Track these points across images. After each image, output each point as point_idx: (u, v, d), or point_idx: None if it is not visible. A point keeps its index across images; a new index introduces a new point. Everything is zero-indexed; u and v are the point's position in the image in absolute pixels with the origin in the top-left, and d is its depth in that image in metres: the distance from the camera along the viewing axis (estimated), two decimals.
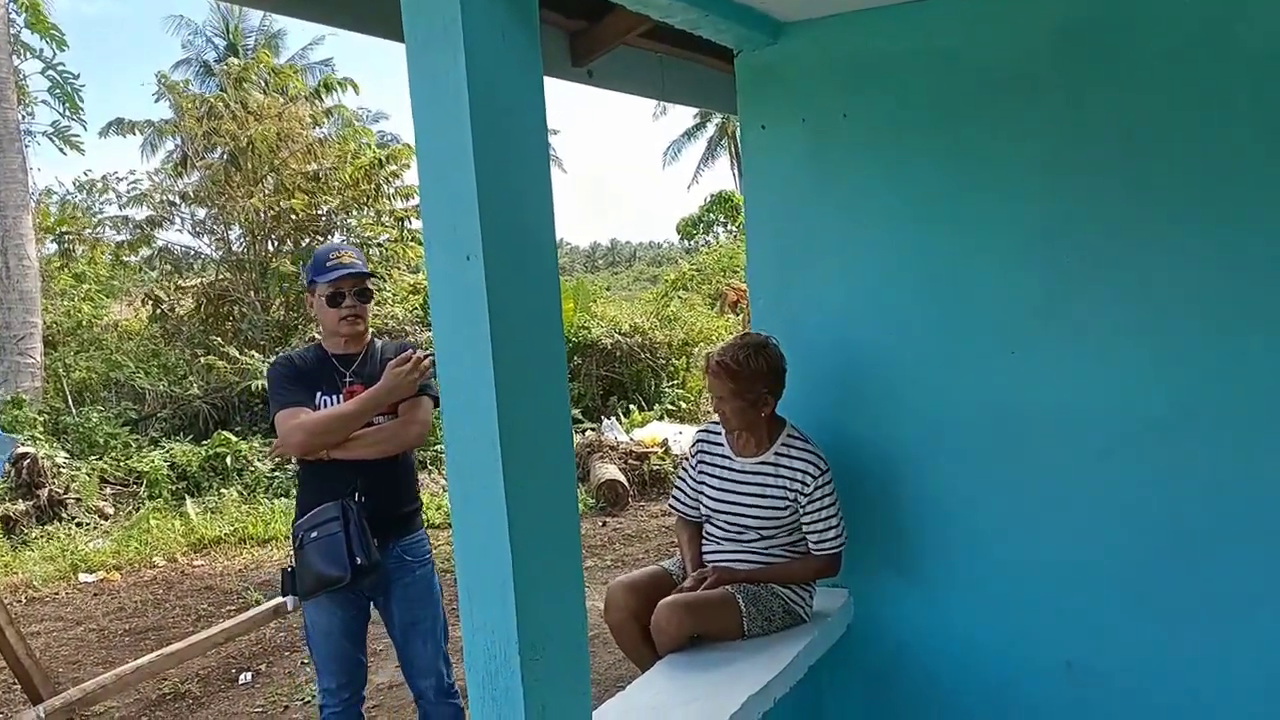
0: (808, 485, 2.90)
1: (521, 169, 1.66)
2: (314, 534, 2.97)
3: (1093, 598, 2.79)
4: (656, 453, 10.04)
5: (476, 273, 1.55)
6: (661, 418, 12.40)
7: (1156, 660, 2.73)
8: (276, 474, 10.33)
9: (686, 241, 31.41)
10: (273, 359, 3.30)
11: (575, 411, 12.17)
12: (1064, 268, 2.77)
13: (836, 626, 3.07)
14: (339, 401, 3.07)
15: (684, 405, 13.15)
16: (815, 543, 2.95)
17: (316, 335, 12.56)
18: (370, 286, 3.18)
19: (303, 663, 5.51)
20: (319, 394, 3.09)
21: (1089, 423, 2.76)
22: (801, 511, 2.94)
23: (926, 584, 3.02)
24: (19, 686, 4.72)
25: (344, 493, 3.00)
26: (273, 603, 5.86)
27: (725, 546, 3.04)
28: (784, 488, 2.93)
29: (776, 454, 2.97)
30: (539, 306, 1.69)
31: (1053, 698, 2.87)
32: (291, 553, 3.11)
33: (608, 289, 23.54)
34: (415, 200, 14.63)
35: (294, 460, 3.51)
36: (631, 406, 12.86)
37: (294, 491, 9.81)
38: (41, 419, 10.92)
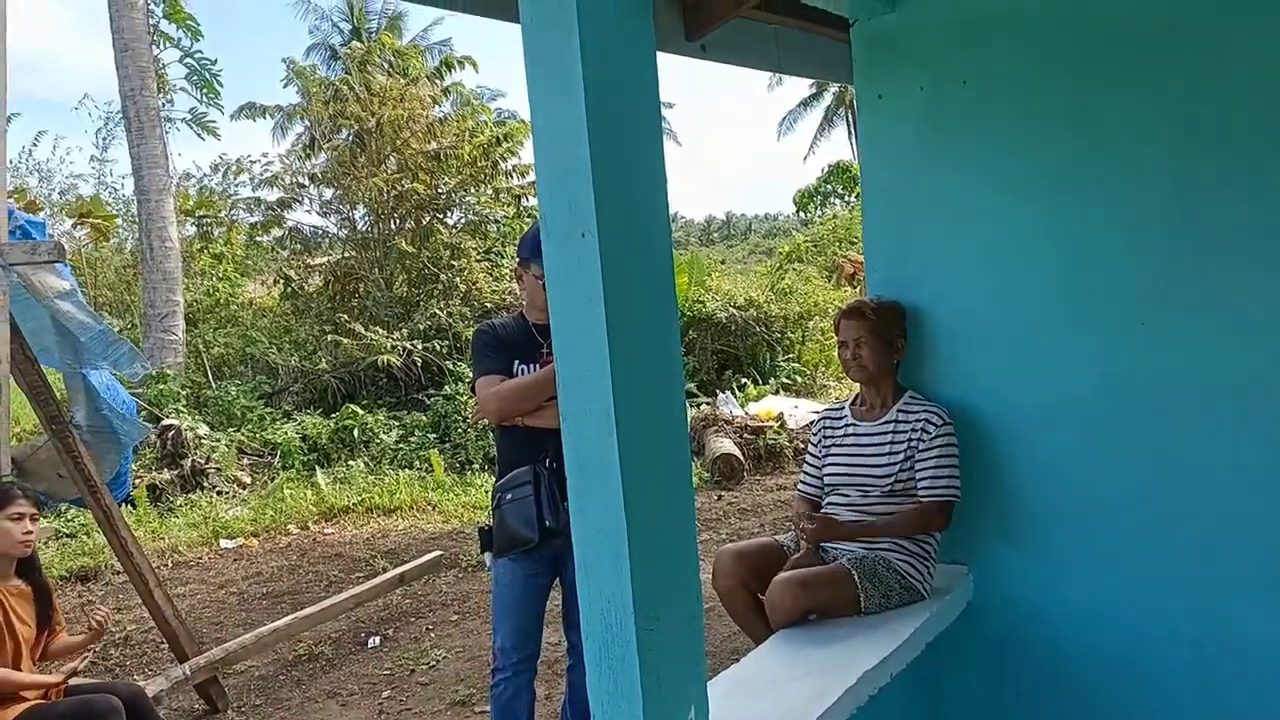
0: (929, 433, 2.94)
1: (635, 144, 1.66)
2: (509, 496, 3.11)
3: (1226, 575, 2.67)
4: (772, 427, 9.99)
5: (591, 249, 1.57)
6: (777, 391, 12.34)
7: None
8: (400, 446, 10.66)
9: (802, 214, 30.99)
10: (478, 326, 3.44)
11: (690, 386, 12.21)
12: (1196, 234, 2.64)
13: (956, 603, 3.02)
14: (536, 370, 3.16)
15: (799, 379, 13.05)
16: (926, 489, 2.93)
17: (438, 312, 12.92)
18: None
19: (427, 629, 5.71)
20: (517, 362, 3.19)
21: (1224, 395, 2.64)
22: (917, 458, 2.94)
23: (1048, 560, 2.94)
24: (167, 645, 5.02)
25: (537, 458, 3.10)
26: (397, 571, 6.08)
27: (844, 515, 3.03)
28: (906, 439, 2.96)
29: (899, 412, 3.02)
30: (653, 282, 1.70)
31: (1181, 677, 2.76)
32: (490, 512, 3.24)
33: (722, 262, 23.48)
34: (531, 177, 14.82)
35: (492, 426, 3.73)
36: (746, 380, 12.81)
37: (417, 463, 10.17)
38: (184, 393, 11.52)
